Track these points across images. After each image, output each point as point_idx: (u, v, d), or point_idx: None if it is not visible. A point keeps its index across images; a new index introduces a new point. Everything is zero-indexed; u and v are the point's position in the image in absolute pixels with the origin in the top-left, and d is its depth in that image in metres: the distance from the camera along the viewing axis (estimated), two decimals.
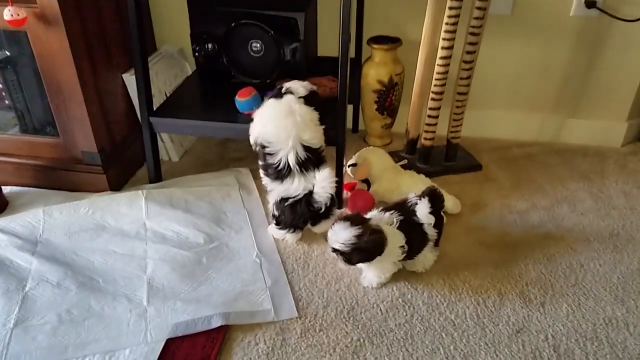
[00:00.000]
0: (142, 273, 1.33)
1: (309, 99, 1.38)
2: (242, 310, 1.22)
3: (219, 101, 1.58)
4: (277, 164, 1.33)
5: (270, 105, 1.37)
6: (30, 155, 1.64)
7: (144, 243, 1.43)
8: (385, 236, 1.21)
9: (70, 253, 1.39)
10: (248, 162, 1.82)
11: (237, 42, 1.65)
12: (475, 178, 1.74)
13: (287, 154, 1.32)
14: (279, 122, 1.33)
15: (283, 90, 1.37)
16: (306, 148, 1.33)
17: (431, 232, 1.29)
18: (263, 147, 1.35)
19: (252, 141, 1.39)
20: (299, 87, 1.38)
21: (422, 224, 1.27)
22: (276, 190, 1.37)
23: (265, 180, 1.39)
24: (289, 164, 1.32)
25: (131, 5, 1.40)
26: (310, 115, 1.36)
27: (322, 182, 1.32)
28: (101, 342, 1.16)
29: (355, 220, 1.22)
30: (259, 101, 1.48)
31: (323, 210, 1.35)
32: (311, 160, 1.34)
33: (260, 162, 1.39)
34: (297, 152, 1.32)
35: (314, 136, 1.35)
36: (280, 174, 1.34)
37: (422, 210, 1.27)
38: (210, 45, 1.67)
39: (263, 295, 1.27)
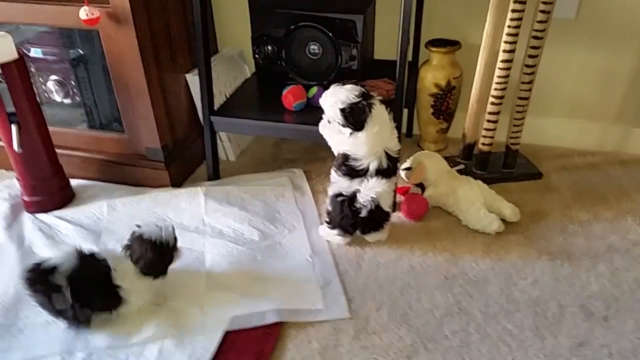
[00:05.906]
0: (201, 266, 1.37)
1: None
2: (295, 308, 1.24)
3: (276, 102, 1.61)
4: (359, 166, 1.32)
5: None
6: (96, 149, 1.71)
7: (202, 237, 1.46)
8: None
9: None
10: (301, 163, 1.83)
11: (295, 45, 1.67)
12: (535, 186, 1.69)
13: (370, 162, 1.31)
14: (374, 132, 1.29)
15: (362, 97, 1.29)
16: (389, 157, 1.33)
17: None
18: (347, 156, 1.33)
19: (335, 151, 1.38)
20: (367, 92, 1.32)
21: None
22: (338, 184, 1.36)
23: (333, 174, 1.37)
24: (368, 169, 1.32)
25: (197, 7, 1.45)
26: (391, 120, 1.35)
27: (371, 185, 1.31)
28: (160, 330, 1.18)
29: None
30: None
31: (365, 215, 1.32)
32: (389, 169, 1.33)
33: (336, 161, 1.37)
34: (381, 161, 1.32)
35: (397, 143, 1.35)
36: (357, 174, 1.32)
37: None
38: (269, 48, 1.70)
39: (316, 294, 1.28)
